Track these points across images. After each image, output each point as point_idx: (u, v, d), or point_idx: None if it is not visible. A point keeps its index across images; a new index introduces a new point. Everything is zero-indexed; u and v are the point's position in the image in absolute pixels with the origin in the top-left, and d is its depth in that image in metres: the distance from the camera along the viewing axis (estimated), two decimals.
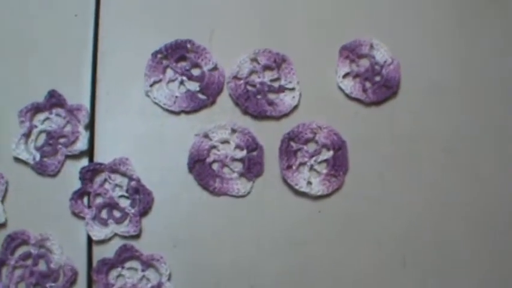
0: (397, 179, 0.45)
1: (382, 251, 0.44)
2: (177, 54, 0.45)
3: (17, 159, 0.44)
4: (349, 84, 0.46)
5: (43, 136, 0.44)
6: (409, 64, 0.46)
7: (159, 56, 0.45)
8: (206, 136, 0.44)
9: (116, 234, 0.43)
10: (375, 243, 0.44)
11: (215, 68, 0.45)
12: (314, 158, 0.44)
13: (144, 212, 0.43)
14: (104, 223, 0.43)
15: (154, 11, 0.47)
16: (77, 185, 0.43)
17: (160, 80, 0.45)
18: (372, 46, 0.46)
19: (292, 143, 0.44)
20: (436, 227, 0.44)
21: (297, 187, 0.43)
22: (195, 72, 0.45)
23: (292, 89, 0.45)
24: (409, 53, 0.46)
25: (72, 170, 0.44)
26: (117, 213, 0.43)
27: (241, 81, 0.45)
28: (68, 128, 0.44)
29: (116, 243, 0.43)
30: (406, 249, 0.44)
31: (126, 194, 0.43)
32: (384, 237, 0.44)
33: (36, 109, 0.44)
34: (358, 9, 0.47)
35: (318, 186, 0.44)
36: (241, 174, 0.44)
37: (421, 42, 0.47)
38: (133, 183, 0.43)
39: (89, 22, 0.46)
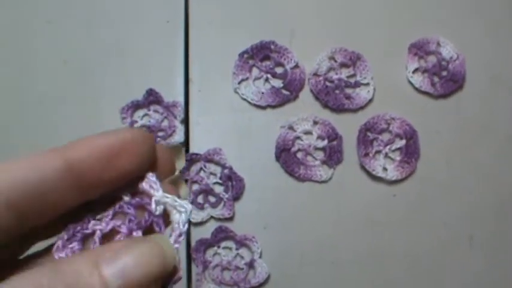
0: (463, 165, 0.49)
1: (450, 230, 0.48)
2: (261, 54, 0.50)
3: None
4: (418, 79, 0.50)
5: None
6: (473, 59, 0.50)
7: (245, 56, 0.49)
8: (291, 128, 0.49)
9: (211, 217, 0.48)
10: (444, 224, 0.48)
11: (296, 66, 0.49)
12: (388, 147, 0.48)
13: (236, 197, 0.48)
14: (201, 207, 0.48)
15: (239, 16, 0.51)
16: (175, 173, 0.48)
17: (247, 78, 0.49)
18: (438, 43, 0.50)
19: (368, 133, 0.48)
20: (501, 208, 0.48)
21: (374, 173, 0.48)
22: (279, 70, 0.50)
23: (367, 84, 0.49)
24: (473, 49, 0.50)
25: None
26: (212, 198, 0.48)
27: (321, 78, 0.49)
28: (165, 123, 0.49)
29: (212, 225, 0.48)
30: (473, 229, 0.48)
31: (220, 181, 0.48)
32: (452, 218, 0.48)
33: (136, 106, 0.49)
34: (425, 9, 0.51)
35: (392, 172, 0.48)
36: (323, 162, 0.48)
37: (485, 39, 0.51)
38: (226, 171, 0.48)
39: (180, 27, 0.51)
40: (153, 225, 0.23)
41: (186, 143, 0.49)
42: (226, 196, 0.48)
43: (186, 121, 0.49)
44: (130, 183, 0.23)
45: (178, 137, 0.49)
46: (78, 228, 0.22)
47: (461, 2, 0.52)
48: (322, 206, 0.48)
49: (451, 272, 0.47)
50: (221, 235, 0.47)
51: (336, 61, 0.50)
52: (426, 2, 0.51)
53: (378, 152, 0.48)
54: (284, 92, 0.49)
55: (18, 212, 0.19)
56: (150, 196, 0.23)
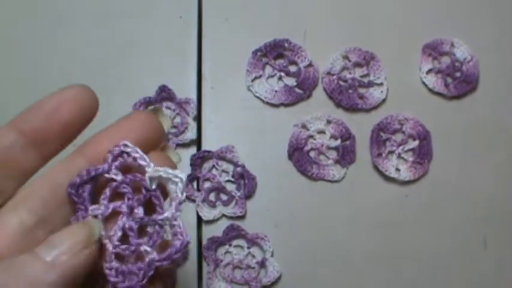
0: (476, 167, 0.49)
1: (463, 232, 0.48)
2: (275, 52, 0.49)
3: None
4: (432, 80, 0.49)
5: None
6: (487, 61, 0.50)
7: (259, 54, 0.49)
8: (304, 126, 0.48)
9: (223, 215, 0.47)
10: (457, 226, 0.48)
11: (310, 65, 0.49)
12: (401, 147, 0.48)
13: (248, 195, 0.47)
14: (213, 205, 0.47)
15: (253, 13, 0.51)
16: (187, 170, 0.48)
17: (260, 76, 0.49)
18: (452, 44, 0.50)
19: (381, 133, 0.48)
20: None
21: (386, 173, 0.48)
22: (292, 68, 0.49)
23: (381, 84, 0.49)
24: (487, 50, 0.50)
25: (182, 157, 0.48)
26: (224, 196, 0.48)
27: (334, 77, 0.49)
28: (178, 120, 0.49)
29: (223, 223, 0.47)
30: (487, 231, 0.48)
31: (232, 179, 0.48)
32: (465, 220, 0.48)
33: (148, 103, 0.49)
34: (440, 9, 0.51)
35: (405, 173, 0.48)
36: (336, 161, 0.48)
37: (499, 40, 0.50)
38: (238, 169, 0.48)
39: (193, 23, 0.51)
40: (152, 198, 0.24)
41: (198, 140, 0.49)
42: (238, 194, 0.47)
43: (198, 118, 0.49)
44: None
45: (191, 133, 0.48)
46: (80, 217, 0.23)
47: (475, 3, 0.51)
48: (334, 205, 0.48)
49: (464, 274, 0.47)
50: (233, 233, 0.47)
51: (349, 60, 0.49)
52: (441, 3, 0.51)
53: (391, 152, 0.48)
54: (297, 90, 0.49)
55: None
56: (142, 172, 0.24)
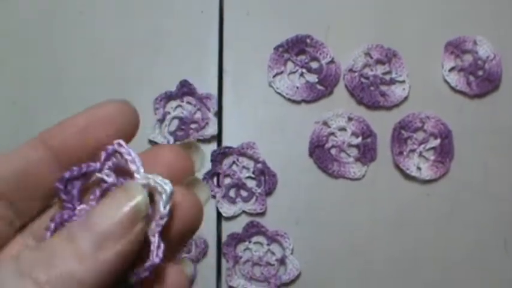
0: (498, 167, 0.48)
1: (484, 234, 0.47)
2: (297, 48, 0.49)
3: (152, 142, 0.48)
4: (454, 78, 0.49)
5: (176, 122, 0.49)
6: (510, 59, 0.49)
7: (280, 49, 0.49)
8: (325, 124, 0.48)
9: (243, 212, 0.47)
10: (477, 227, 0.47)
11: (332, 62, 0.49)
12: (423, 146, 0.48)
13: (269, 192, 0.47)
14: (233, 201, 0.47)
15: (275, 8, 0.50)
16: (207, 166, 0.47)
17: (282, 72, 0.49)
18: (475, 42, 0.50)
19: (403, 131, 0.48)
20: None
21: (407, 171, 0.47)
22: (314, 65, 0.49)
23: (402, 82, 0.49)
24: (511, 48, 0.50)
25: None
26: (244, 193, 0.47)
27: (356, 74, 0.49)
28: (198, 115, 0.49)
29: (243, 220, 0.47)
30: (508, 232, 0.47)
31: (252, 176, 0.48)
32: (486, 220, 0.47)
33: (169, 97, 0.49)
34: (462, 7, 0.51)
35: (426, 172, 0.48)
36: (357, 159, 0.48)
37: None
38: (259, 165, 0.47)
39: (214, 18, 0.50)
40: None
41: (219, 136, 0.48)
42: (259, 191, 0.47)
43: (219, 114, 0.49)
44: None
45: (212, 129, 0.48)
46: (65, 216, 0.21)
47: (498, 1, 0.51)
48: (354, 203, 0.47)
49: (484, 276, 0.46)
50: (252, 230, 0.47)
51: (371, 57, 0.49)
52: (463, 0, 0.51)
53: (412, 150, 0.48)
54: (319, 87, 0.49)
55: (9, 200, 0.20)
56: (132, 175, 0.21)
